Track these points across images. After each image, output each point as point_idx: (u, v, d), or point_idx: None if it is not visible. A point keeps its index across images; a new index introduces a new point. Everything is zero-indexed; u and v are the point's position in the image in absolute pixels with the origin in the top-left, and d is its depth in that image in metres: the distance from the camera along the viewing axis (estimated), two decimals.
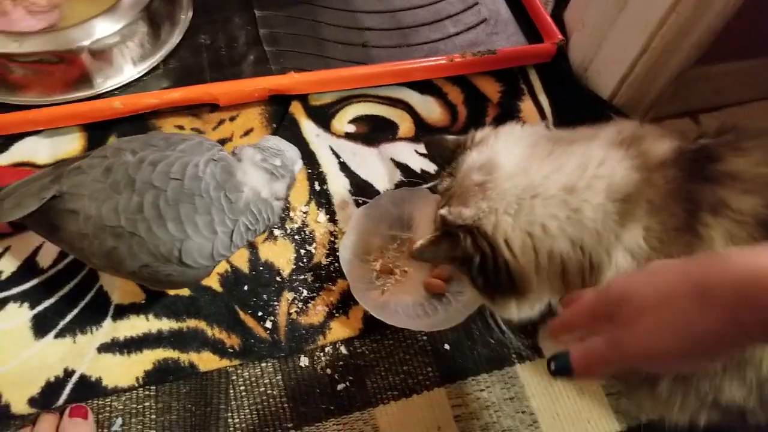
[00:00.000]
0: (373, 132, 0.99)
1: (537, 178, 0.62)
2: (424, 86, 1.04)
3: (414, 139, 0.98)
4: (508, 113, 1.00)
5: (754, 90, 1.11)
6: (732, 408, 0.57)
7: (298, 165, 0.76)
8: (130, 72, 0.98)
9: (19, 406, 0.72)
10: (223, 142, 0.95)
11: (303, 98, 1.01)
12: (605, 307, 0.44)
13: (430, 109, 1.02)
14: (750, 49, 1.05)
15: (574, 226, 0.60)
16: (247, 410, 0.74)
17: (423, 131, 1.00)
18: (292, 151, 0.74)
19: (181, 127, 0.96)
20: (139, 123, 0.95)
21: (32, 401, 0.72)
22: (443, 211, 0.66)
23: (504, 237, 0.62)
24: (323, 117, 1.00)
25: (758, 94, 1.12)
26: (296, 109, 0.99)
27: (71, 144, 0.93)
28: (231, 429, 0.73)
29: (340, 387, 0.77)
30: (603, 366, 0.44)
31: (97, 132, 0.94)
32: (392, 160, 0.95)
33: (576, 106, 1.00)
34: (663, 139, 0.63)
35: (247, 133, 0.97)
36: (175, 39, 1.03)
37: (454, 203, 0.66)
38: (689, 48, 0.93)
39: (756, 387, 0.55)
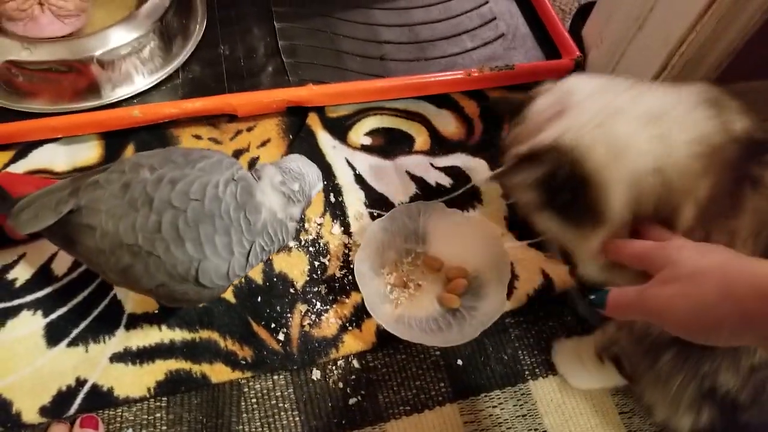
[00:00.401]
0: (390, 145, 0.98)
1: (620, 101, 0.60)
2: (441, 100, 1.04)
3: (430, 153, 0.98)
4: None
5: None
6: (726, 401, 0.59)
7: (317, 188, 0.75)
8: (141, 82, 0.97)
9: (30, 414, 0.72)
10: (240, 152, 0.95)
11: (320, 110, 1.00)
12: (656, 261, 0.50)
13: (446, 122, 1.01)
14: None
15: (660, 148, 0.57)
16: (258, 423, 0.73)
17: (439, 145, 0.99)
18: (313, 175, 0.73)
19: (198, 137, 0.96)
20: (157, 132, 0.95)
21: (43, 410, 0.72)
22: (517, 150, 0.63)
23: (588, 149, 0.59)
24: (340, 129, 0.99)
25: None
26: (313, 120, 0.99)
27: (89, 152, 0.93)
28: None
29: (351, 401, 0.75)
30: (629, 310, 0.50)
31: (114, 140, 0.94)
32: (408, 173, 0.95)
33: None
34: (743, 116, 0.60)
35: (264, 143, 0.96)
36: (186, 51, 1.02)
37: (526, 141, 0.64)
38: (709, 67, 0.92)
39: (747, 374, 0.57)
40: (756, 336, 0.42)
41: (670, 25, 0.89)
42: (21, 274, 0.81)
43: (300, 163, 0.73)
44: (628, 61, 0.98)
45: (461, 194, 0.93)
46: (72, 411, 0.72)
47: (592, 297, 0.53)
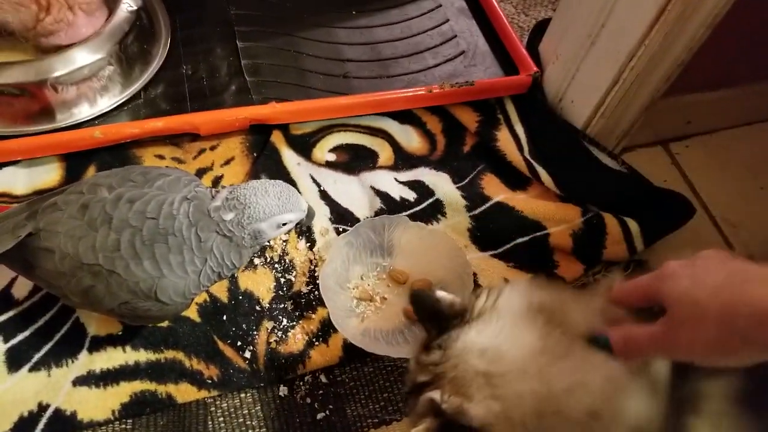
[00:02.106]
0: (354, 160, 1.00)
1: (558, 388, 0.52)
2: (404, 116, 1.05)
3: (394, 168, 0.99)
4: (485, 142, 1.01)
5: (724, 119, 1.14)
6: None
7: (269, 221, 0.69)
8: (100, 104, 0.97)
9: None
10: (203, 171, 0.95)
11: (284, 127, 1.01)
12: (654, 297, 0.50)
13: (410, 138, 1.03)
14: (718, 80, 1.08)
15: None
16: None
17: (402, 160, 1.00)
18: (266, 208, 0.68)
19: (161, 157, 0.96)
20: (119, 152, 0.95)
21: None
22: (435, 396, 0.53)
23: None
24: (304, 146, 1.00)
25: (727, 122, 1.15)
26: (277, 138, 1.00)
27: (49, 174, 0.92)
28: None
29: (320, 416, 0.76)
30: (647, 355, 0.51)
31: (76, 161, 0.94)
32: (372, 188, 0.96)
33: (551, 135, 1.01)
34: (577, 308, 0.57)
35: (227, 162, 0.97)
36: (148, 75, 1.02)
37: (448, 389, 0.54)
38: (658, 79, 0.95)
39: None
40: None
41: (620, 41, 0.92)
42: None
43: (258, 190, 0.69)
44: (582, 76, 1.01)
45: (425, 208, 0.95)
46: None
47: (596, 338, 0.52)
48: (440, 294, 0.59)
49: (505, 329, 0.55)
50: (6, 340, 0.77)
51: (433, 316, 0.58)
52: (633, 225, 0.90)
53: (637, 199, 0.95)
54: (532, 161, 0.97)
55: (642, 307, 0.52)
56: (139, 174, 0.72)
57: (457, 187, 0.96)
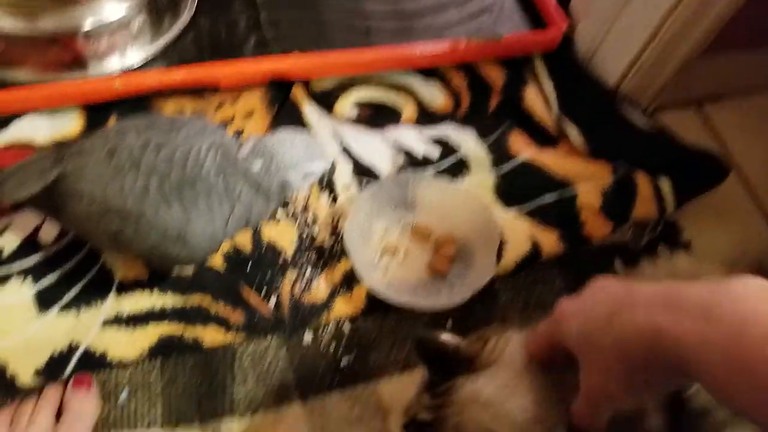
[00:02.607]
0: (377, 117, 1.08)
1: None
2: (428, 72, 1.14)
3: (417, 124, 1.08)
4: (512, 100, 1.10)
5: (762, 80, 1.21)
6: None
7: (299, 173, 0.78)
8: (128, 57, 1.06)
9: (25, 377, 0.80)
10: (224, 124, 1.04)
11: (305, 82, 1.10)
12: (557, 343, 0.54)
13: (434, 95, 1.12)
14: (759, 39, 1.14)
15: None
16: (252, 383, 0.83)
17: (426, 116, 1.09)
18: (292, 157, 0.77)
19: (182, 109, 1.05)
20: (139, 105, 1.04)
21: (38, 373, 0.80)
22: None
23: None
24: (326, 101, 1.09)
25: (765, 84, 1.22)
26: (298, 92, 1.08)
27: (70, 124, 1.02)
28: (237, 401, 0.81)
29: (343, 362, 0.85)
30: (595, 417, 0.51)
31: (96, 113, 1.03)
32: (395, 144, 1.05)
33: (581, 93, 1.09)
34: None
35: (248, 115, 1.06)
36: (177, 28, 1.11)
37: None
38: (697, 37, 1.01)
39: None
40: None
41: None
42: (7, 244, 0.90)
43: (285, 141, 0.79)
44: (616, 32, 1.08)
45: (449, 165, 1.03)
46: (66, 374, 0.81)
47: None
48: (445, 338, 0.62)
49: (510, 386, 0.57)
50: (35, 282, 0.87)
51: (438, 361, 0.62)
52: (665, 184, 0.98)
53: (669, 159, 1.03)
54: (560, 120, 1.05)
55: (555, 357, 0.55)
56: (165, 121, 0.80)
57: (483, 144, 1.05)
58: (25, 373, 0.80)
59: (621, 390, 0.47)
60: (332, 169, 0.82)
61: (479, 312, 0.91)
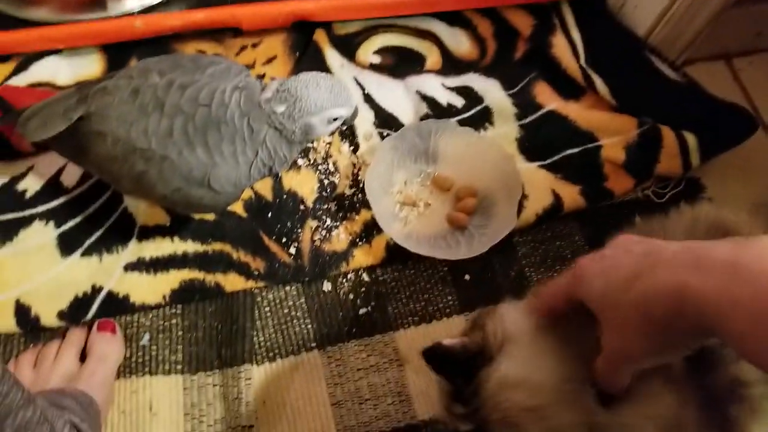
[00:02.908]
0: (400, 64, 1.04)
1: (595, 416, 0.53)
2: (453, 18, 1.09)
3: (441, 73, 1.04)
4: (539, 48, 1.05)
5: None
6: None
7: (324, 117, 0.75)
8: None
9: (49, 319, 0.80)
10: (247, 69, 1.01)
11: (327, 26, 1.06)
12: (574, 299, 0.52)
13: (459, 41, 1.07)
14: None
15: None
16: (272, 330, 0.82)
17: (450, 64, 1.05)
18: (318, 101, 0.74)
19: (202, 53, 1.02)
20: (160, 46, 1.00)
21: (61, 315, 0.80)
22: None
23: None
24: (348, 46, 1.05)
25: None
26: (320, 37, 1.05)
27: (91, 66, 0.99)
28: (256, 347, 0.81)
29: (362, 312, 0.85)
30: (617, 377, 0.51)
31: (117, 54, 1.00)
32: (418, 92, 1.01)
33: (609, 43, 1.04)
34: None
35: (269, 60, 1.02)
36: None
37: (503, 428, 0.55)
38: None
39: None
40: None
41: None
42: (31, 185, 0.89)
43: (310, 83, 0.75)
44: None
45: (473, 115, 1.00)
46: (89, 316, 0.81)
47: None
48: (447, 342, 0.58)
49: (529, 357, 0.56)
50: (58, 225, 0.86)
51: (453, 366, 0.58)
52: (690, 139, 0.95)
53: (697, 112, 0.98)
54: (588, 69, 1.01)
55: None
56: (189, 60, 0.77)
57: (508, 95, 1.01)
58: (48, 315, 0.80)
59: (642, 351, 0.47)
60: (355, 116, 0.79)
61: (497, 264, 0.90)
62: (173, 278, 0.84)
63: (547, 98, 1.02)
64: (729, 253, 0.42)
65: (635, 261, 0.47)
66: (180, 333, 0.81)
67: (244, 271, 0.85)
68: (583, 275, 0.51)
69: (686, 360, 0.53)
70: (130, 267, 0.84)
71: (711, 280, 0.41)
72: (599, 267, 0.50)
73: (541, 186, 0.95)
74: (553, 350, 0.55)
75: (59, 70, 0.98)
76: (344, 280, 0.87)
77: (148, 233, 0.87)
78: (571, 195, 0.94)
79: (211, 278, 0.84)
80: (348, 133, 0.97)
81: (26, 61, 0.98)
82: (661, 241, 0.49)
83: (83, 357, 0.78)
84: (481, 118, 1.00)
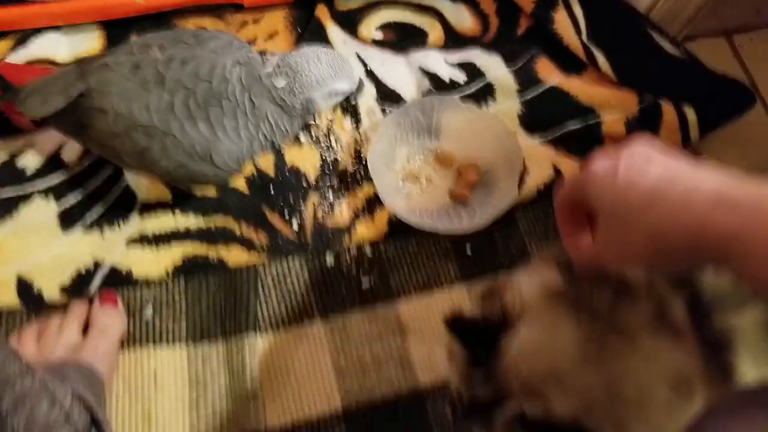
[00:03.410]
0: (402, 39, 1.01)
1: (613, 373, 0.52)
2: None
3: (444, 48, 1.01)
4: (541, 24, 1.02)
5: None
6: None
7: (326, 90, 0.73)
8: None
9: (52, 294, 0.77)
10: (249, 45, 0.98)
11: (329, 2, 1.02)
12: (583, 202, 0.49)
13: (461, 17, 1.04)
14: None
15: None
16: (275, 302, 0.80)
17: (453, 40, 1.02)
18: (318, 74, 0.72)
19: (203, 29, 0.98)
20: (160, 22, 0.97)
21: (64, 290, 0.78)
22: (515, 409, 0.53)
23: None
24: (350, 22, 1.02)
25: None
26: (322, 13, 1.01)
27: (91, 42, 0.96)
28: (260, 318, 0.79)
29: (364, 284, 0.82)
30: (596, 264, 0.49)
31: (117, 30, 0.96)
32: (421, 68, 0.98)
33: (611, 18, 1.01)
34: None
35: (271, 36, 0.99)
36: None
37: (522, 397, 0.54)
38: None
39: None
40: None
41: None
42: (31, 162, 0.85)
43: (310, 58, 0.73)
44: None
45: (475, 91, 0.97)
46: (92, 291, 0.78)
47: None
48: (468, 312, 0.58)
49: (545, 323, 0.54)
50: (59, 202, 0.83)
51: (476, 335, 0.57)
52: (690, 113, 0.92)
53: (696, 87, 0.96)
54: (589, 45, 0.98)
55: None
56: (190, 36, 0.75)
57: (510, 70, 0.98)
58: (50, 290, 0.78)
59: (639, 263, 0.45)
60: (357, 92, 0.76)
61: (499, 238, 0.87)
62: (176, 253, 0.81)
63: (549, 74, 0.99)
64: (755, 191, 0.40)
65: (650, 187, 0.43)
66: (183, 305, 0.79)
67: (247, 245, 0.82)
68: (593, 184, 0.47)
69: (688, 311, 0.51)
70: (132, 242, 0.81)
71: (735, 219, 0.39)
72: (611, 182, 0.45)
73: (542, 161, 0.92)
74: (568, 314, 0.53)
75: (59, 47, 0.95)
76: (347, 254, 0.84)
77: (149, 209, 0.84)
78: (572, 170, 0.91)
79: (214, 253, 0.81)
80: (350, 109, 0.94)
81: (24, 37, 0.94)
82: (676, 163, 0.45)
83: (86, 330, 0.75)
84: (483, 94, 0.97)
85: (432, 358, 0.79)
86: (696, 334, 0.51)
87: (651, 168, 0.44)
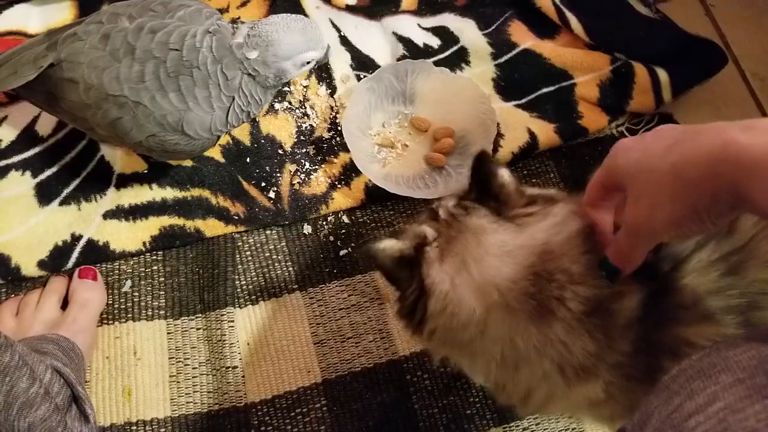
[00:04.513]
0: (376, 4, 0.95)
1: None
2: None
3: (417, 13, 0.95)
4: None
5: None
6: None
7: (299, 59, 0.68)
8: None
9: (29, 268, 0.73)
10: (219, 12, 0.91)
11: None
12: (613, 179, 0.47)
13: None
14: None
15: None
16: (254, 273, 0.76)
17: (426, 5, 0.95)
18: (291, 45, 0.66)
19: None
20: None
21: (42, 264, 0.74)
22: (428, 233, 0.54)
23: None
24: None
25: None
26: None
27: (62, 13, 0.89)
28: (238, 290, 0.75)
29: (342, 252, 0.78)
30: (634, 252, 0.46)
31: (88, 0, 0.90)
32: (395, 33, 0.92)
33: None
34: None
35: (244, 3, 0.93)
36: None
37: (439, 241, 0.55)
38: None
39: None
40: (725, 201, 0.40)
41: None
42: (5, 135, 0.80)
43: (281, 27, 0.67)
44: None
45: (449, 55, 0.91)
46: (70, 265, 0.74)
47: (604, 273, 0.49)
48: (502, 171, 0.56)
49: (526, 232, 0.52)
50: (34, 175, 0.78)
51: (481, 184, 0.56)
52: (662, 74, 0.87)
53: (668, 47, 0.91)
54: (562, 7, 0.92)
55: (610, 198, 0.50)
56: (159, 4, 0.69)
57: (483, 34, 0.93)
58: (28, 264, 0.73)
59: (667, 221, 0.42)
60: (330, 58, 0.71)
61: None
62: (153, 225, 0.77)
63: (523, 37, 0.93)
64: None
65: (675, 135, 0.42)
66: (162, 279, 0.75)
67: (223, 216, 0.78)
68: (620, 149, 0.46)
69: (643, 307, 0.50)
70: (109, 215, 0.77)
71: (758, 137, 0.37)
72: (636, 141, 0.45)
73: (516, 125, 0.87)
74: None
75: (30, 18, 0.88)
76: (324, 223, 0.80)
77: (125, 181, 0.79)
78: (546, 133, 0.87)
79: (191, 224, 0.77)
80: (325, 75, 0.89)
81: None
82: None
83: (65, 305, 0.71)
84: (457, 59, 0.91)
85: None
86: (640, 330, 0.50)
87: (677, 127, 0.44)
